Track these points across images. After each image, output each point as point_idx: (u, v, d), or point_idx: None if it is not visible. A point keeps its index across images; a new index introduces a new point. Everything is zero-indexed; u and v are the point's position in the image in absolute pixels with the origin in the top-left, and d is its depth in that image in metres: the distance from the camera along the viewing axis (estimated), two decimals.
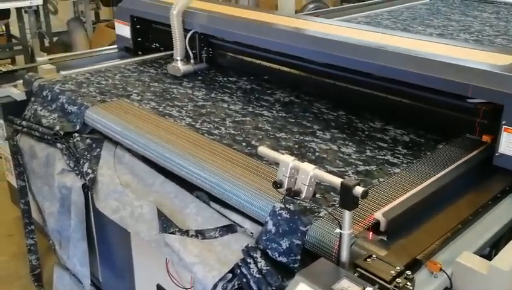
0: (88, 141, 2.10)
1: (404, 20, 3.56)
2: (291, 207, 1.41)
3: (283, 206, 1.42)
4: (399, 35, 2.21)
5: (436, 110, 1.88)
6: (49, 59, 2.94)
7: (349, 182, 1.20)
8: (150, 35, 3.02)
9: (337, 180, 1.25)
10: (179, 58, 2.59)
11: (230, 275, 1.44)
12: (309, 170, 1.33)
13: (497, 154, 1.61)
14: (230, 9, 2.71)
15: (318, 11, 4.72)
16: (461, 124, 1.83)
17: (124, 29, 2.99)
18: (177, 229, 1.61)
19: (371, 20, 3.57)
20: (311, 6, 6.77)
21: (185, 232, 1.60)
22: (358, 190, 1.19)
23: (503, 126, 1.58)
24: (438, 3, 4.32)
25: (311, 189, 1.35)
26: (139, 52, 2.99)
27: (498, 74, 1.64)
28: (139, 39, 2.99)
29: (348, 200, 1.20)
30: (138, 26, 2.96)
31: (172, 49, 3.03)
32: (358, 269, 1.19)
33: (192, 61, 2.64)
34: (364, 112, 2.14)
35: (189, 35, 2.59)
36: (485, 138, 1.74)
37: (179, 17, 2.53)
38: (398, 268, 1.19)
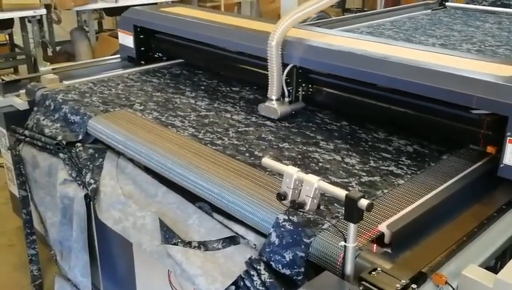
0: (91, 151, 2.09)
1: (406, 30, 3.56)
2: (295, 219, 1.40)
3: (287, 217, 1.41)
4: (402, 46, 2.21)
5: (440, 120, 1.87)
6: (52, 69, 2.94)
7: (354, 195, 1.19)
8: (152, 45, 3.03)
9: (341, 193, 1.24)
10: (274, 97, 2.16)
11: (233, 288, 1.43)
12: (313, 181, 1.32)
13: (501, 165, 1.60)
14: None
15: (320, 21, 4.73)
16: (465, 135, 1.82)
17: (127, 39, 3.00)
18: (179, 240, 1.60)
19: (373, 30, 3.58)
20: (313, 16, 6.79)
21: (188, 244, 1.59)
22: (363, 202, 1.18)
23: (508, 137, 1.57)
24: (440, 14, 4.33)
25: (315, 201, 1.34)
26: (142, 62, 2.99)
27: (502, 85, 1.64)
28: (142, 49, 3.00)
29: (352, 212, 1.19)
30: (141, 36, 2.97)
31: (175, 59, 3.05)
32: (363, 282, 1.18)
33: (286, 99, 2.21)
34: (367, 123, 2.13)
35: (287, 69, 2.17)
36: (490, 149, 1.72)
37: (278, 49, 2.10)
38: (404, 281, 1.18)
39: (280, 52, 2.10)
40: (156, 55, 3.06)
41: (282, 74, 2.16)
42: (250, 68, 2.55)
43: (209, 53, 2.72)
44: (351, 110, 2.20)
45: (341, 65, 2.01)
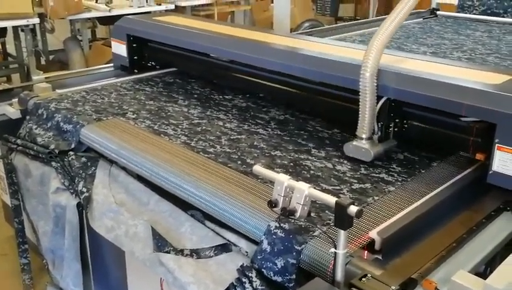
0: (83, 159, 2.09)
1: (398, 39, 3.60)
2: (286, 226, 1.41)
3: (278, 225, 1.42)
4: (393, 54, 2.22)
5: (430, 128, 1.88)
6: (45, 77, 2.95)
7: (343, 202, 1.20)
8: (145, 54, 3.04)
9: (331, 200, 1.25)
10: (365, 136, 1.85)
11: None
12: (304, 189, 1.33)
13: (490, 172, 1.62)
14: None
15: (313, 29, 4.77)
16: (455, 142, 1.84)
17: (120, 48, 3.01)
18: (171, 248, 1.61)
19: (365, 38, 3.61)
20: (306, 24, 6.85)
21: (180, 252, 1.59)
22: (353, 209, 1.19)
23: (496, 144, 1.59)
24: (431, 22, 4.38)
25: (305, 208, 1.35)
26: (135, 70, 3.00)
27: (491, 92, 1.66)
28: (135, 57, 3.00)
29: (342, 219, 1.20)
30: (134, 45, 2.98)
31: (169, 67, 3.05)
32: (354, 288, 1.19)
33: (375, 137, 1.90)
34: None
35: (380, 103, 1.87)
36: (479, 156, 1.74)
37: (373, 80, 1.79)
38: (394, 287, 1.19)
39: (375, 84, 1.80)
40: (149, 64, 3.06)
41: (376, 109, 1.84)
42: (244, 77, 2.55)
43: (202, 62, 2.73)
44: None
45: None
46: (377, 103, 1.85)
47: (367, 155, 1.85)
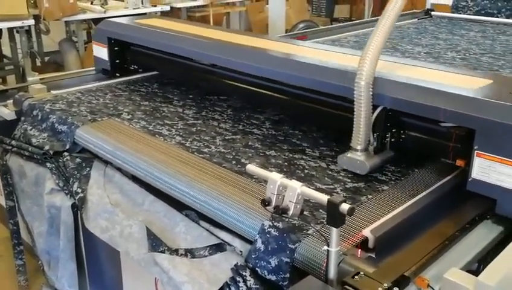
0: (78, 160, 2.09)
1: (393, 39, 3.61)
2: (280, 225, 1.42)
3: (272, 224, 1.42)
4: (387, 60, 2.10)
5: (414, 134, 1.83)
6: (40, 79, 2.95)
7: (335, 199, 1.21)
8: (128, 57, 2.96)
9: (323, 198, 1.26)
10: (360, 147, 1.75)
11: None
12: (296, 187, 1.34)
13: (470, 179, 1.57)
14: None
15: (308, 30, 4.78)
16: (438, 148, 1.78)
17: (101, 51, 2.92)
18: (166, 248, 1.61)
19: (359, 39, 3.62)
20: (301, 25, 6.87)
21: (175, 251, 1.59)
22: (345, 207, 1.20)
23: (475, 151, 1.53)
24: (426, 23, 4.40)
25: (298, 206, 1.36)
26: (117, 74, 2.92)
27: (469, 97, 1.61)
28: (117, 61, 2.92)
29: (334, 217, 1.20)
30: (116, 48, 2.90)
31: (151, 71, 2.95)
32: (346, 286, 1.20)
33: (371, 148, 1.80)
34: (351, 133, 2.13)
35: (376, 113, 1.76)
36: (459, 163, 1.68)
37: (369, 89, 1.68)
38: (386, 285, 1.19)
39: (371, 93, 1.69)
40: (131, 68, 2.98)
41: (372, 119, 1.74)
42: (227, 81, 2.47)
43: (183, 65, 2.65)
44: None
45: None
46: (373, 112, 1.75)
47: (362, 168, 1.75)
